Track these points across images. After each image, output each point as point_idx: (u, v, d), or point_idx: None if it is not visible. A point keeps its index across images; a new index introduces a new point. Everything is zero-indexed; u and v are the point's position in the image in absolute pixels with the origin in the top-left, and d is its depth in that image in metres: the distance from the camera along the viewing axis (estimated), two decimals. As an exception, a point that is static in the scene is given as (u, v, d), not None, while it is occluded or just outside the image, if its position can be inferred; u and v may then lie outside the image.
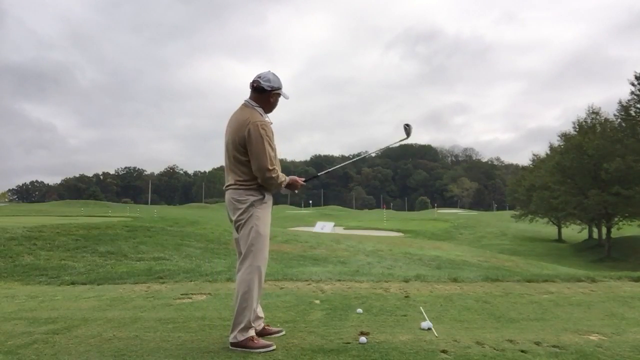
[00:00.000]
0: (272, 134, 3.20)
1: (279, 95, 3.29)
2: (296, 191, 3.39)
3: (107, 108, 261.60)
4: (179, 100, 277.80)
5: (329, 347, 3.07)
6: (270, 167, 3.10)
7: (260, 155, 3.07)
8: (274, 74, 3.26)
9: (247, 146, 3.10)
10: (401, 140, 3.72)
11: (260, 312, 3.32)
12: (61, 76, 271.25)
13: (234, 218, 3.21)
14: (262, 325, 3.32)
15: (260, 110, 3.23)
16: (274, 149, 3.19)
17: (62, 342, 3.31)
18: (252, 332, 3.08)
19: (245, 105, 3.26)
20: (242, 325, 3.04)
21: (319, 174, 3.74)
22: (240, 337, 3.03)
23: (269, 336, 3.26)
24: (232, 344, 3.05)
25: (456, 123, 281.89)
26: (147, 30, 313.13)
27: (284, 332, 3.42)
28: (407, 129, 3.66)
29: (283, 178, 3.24)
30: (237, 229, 3.21)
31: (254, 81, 3.24)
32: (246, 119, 3.13)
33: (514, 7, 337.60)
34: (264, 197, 3.18)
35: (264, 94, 3.24)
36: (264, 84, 3.22)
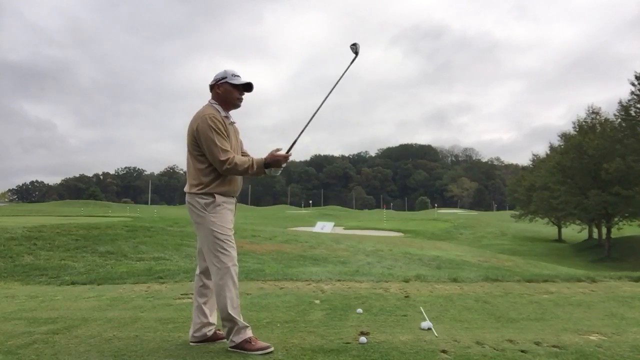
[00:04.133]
0: (225, 127, 3.10)
1: (226, 84, 3.16)
2: (283, 165, 3.11)
3: (106, 107, 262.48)
4: (177, 99, 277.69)
5: (329, 347, 3.07)
6: (223, 158, 3.00)
7: (210, 147, 3.01)
8: (227, 68, 3.21)
9: (198, 142, 3.05)
10: (353, 61, 3.42)
11: (212, 318, 3.26)
12: (59, 74, 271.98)
13: (192, 222, 3.18)
14: (213, 330, 3.27)
15: (217, 106, 3.17)
16: (228, 141, 3.09)
17: (62, 342, 3.31)
18: (248, 333, 3.06)
19: (206, 104, 3.24)
20: (235, 328, 3.03)
21: (298, 136, 3.23)
22: (237, 340, 3.02)
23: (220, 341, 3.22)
24: (231, 347, 3.05)
25: (459, 122, 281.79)
26: (144, 29, 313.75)
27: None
28: (354, 47, 3.43)
29: (249, 163, 3.07)
30: (197, 233, 3.18)
31: None
32: (197, 115, 3.10)
33: (518, 4, 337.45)
34: (215, 199, 3.08)
35: (213, 91, 3.22)
36: (210, 82, 3.21)
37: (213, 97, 3.23)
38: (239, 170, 3.06)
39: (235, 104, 3.25)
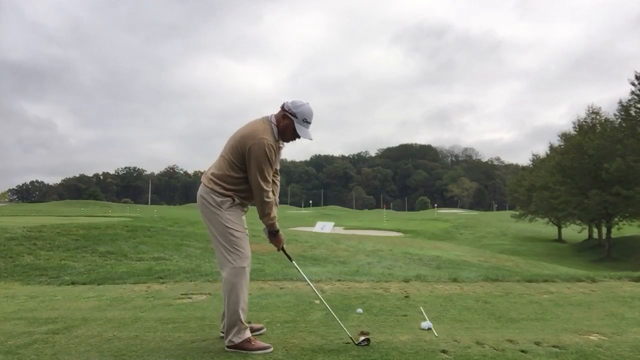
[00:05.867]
0: (275, 156, 3.13)
1: (291, 121, 3.12)
2: (278, 245, 3.28)
3: (106, 107, 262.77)
4: (177, 99, 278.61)
5: (329, 347, 3.07)
6: (266, 189, 3.08)
7: (256, 173, 3.03)
8: (306, 107, 3.14)
9: (246, 159, 3.06)
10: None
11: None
12: (59, 74, 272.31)
13: (204, 217, 3.19)
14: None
15: (275, 129, 3.15)
16: (273, 170, 3.17)
17: (62, 342, 3.32)
18: (248, 333, 3.08)
19: (267, 118, 3.19)
20: (236, 328, 3.04)
21: (291, 259, 3.48)
22: (237, 340, 3.04)
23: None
24: (229, 347, 3.05)
25: (460, 122, 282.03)
26: (143, 29, 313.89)
27: (265, 330, 3.45)
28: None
29: (274, 212, 3.18)
30: (209, 229, 3.18)
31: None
32: (258, 132, 3.05)
33: (520, 3, 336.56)
34: (235, 200, 3.14)
35: (280, 112, 3.17)
36: (286, 103, 3.16)
37: (277, 117, 3.18)
38: (266, 206, 3.10)
39: (285, 140, 3.25)
